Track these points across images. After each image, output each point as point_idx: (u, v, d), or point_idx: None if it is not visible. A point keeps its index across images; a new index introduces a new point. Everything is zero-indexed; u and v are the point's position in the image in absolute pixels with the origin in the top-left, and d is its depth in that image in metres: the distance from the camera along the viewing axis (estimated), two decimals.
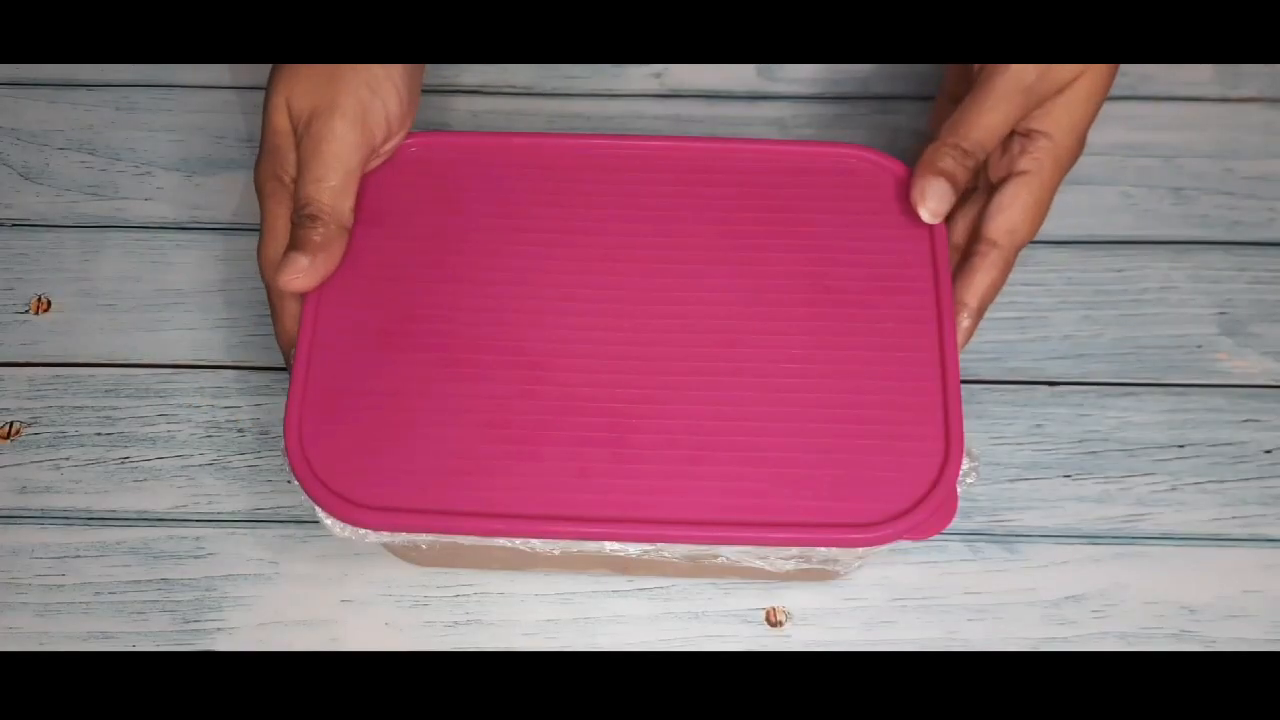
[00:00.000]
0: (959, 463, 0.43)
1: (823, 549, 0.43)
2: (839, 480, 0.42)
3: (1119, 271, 0.57)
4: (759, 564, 0.44)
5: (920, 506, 0.42)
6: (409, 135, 0.49)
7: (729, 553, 0.44)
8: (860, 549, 0.43)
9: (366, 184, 0.48)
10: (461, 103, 0.62)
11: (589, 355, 0.45)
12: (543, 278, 0.46)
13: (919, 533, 0.42)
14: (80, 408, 0.54)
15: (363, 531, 0.43)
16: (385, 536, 0.43)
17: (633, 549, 0.43)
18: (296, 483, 0.43)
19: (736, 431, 0.43)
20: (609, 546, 0.43)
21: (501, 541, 0.43)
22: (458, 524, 0.42)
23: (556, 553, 0.43)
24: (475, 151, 0.49)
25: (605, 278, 0.46)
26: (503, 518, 0.42)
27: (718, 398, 0.44)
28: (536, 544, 0.43)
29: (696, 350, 0.45)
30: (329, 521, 0.43)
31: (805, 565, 0.44)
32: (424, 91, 0.62)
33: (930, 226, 0.47)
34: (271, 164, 0.47)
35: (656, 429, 0.43)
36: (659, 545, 0.43)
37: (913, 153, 0.48)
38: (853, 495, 0.42)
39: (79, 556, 0.51)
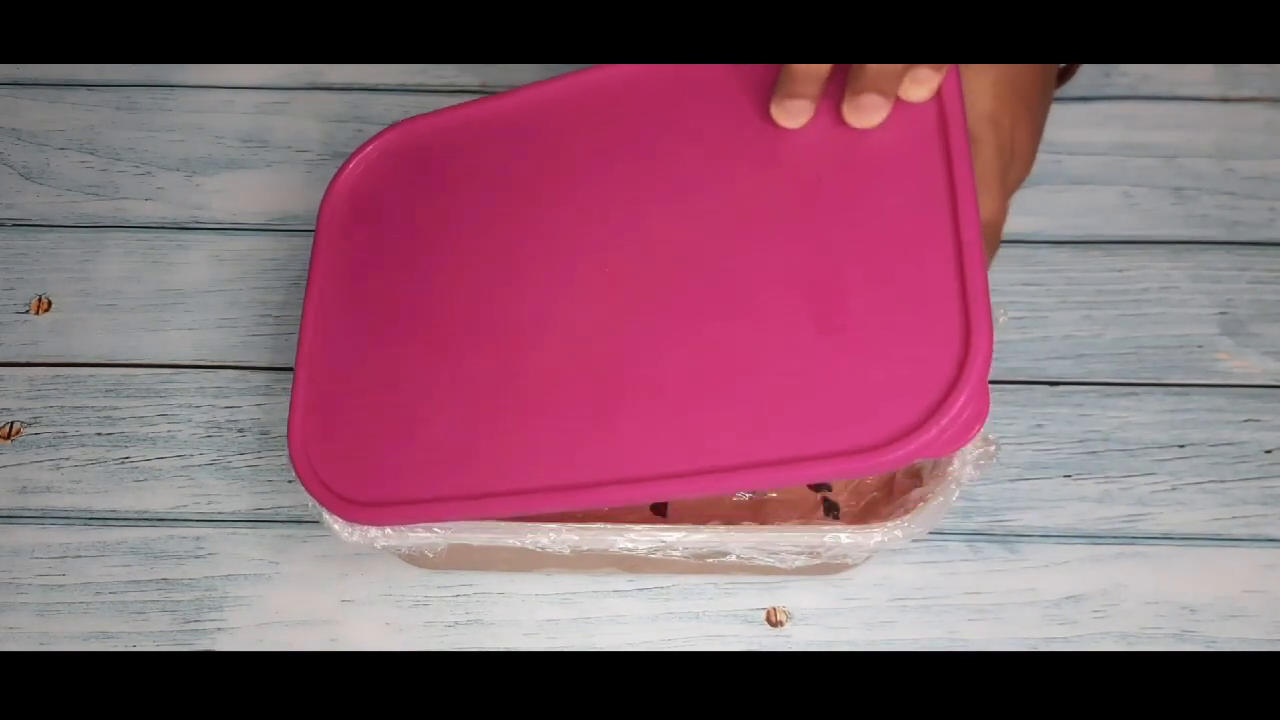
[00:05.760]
0: (986, 355, 0.37)
1: (831, 538, 0.42)
2: (851, 402, 0.38)
3: (1119, 271, 0.57)
4: (769, 561, 0.44)
5: (940, 412, 0.36)
6: (391, 126, 0.49)
7: (739, 549, 0.43)
8: (874, 534, 0.42)
9: (353, 181, 0.48)
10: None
11: (571, 317, 0.42)
12: (521, 243, 0.44)
13: (945, 445, 0.37)
14: (80, 408, 0.54)
15: (371, 535, 0.43)
16: (393, 540, 0.43)
17: (642, 545, 0.42)
18: (300, 484, 0.43)
19: (730, 371, 0.40)
20: (619, 544, 0.42)
21: (510, 541, 0.42)
22: (445, 510, 0.41)
23: (567, 551, 0.43)
24: (446, 130, 0.48)
25: (583, 228, 0.43)
26: (490, 497, 0.41)
27: (707, 338, 0.40)
28: (545, 543, 0.42)
29: (681, 289, 0.41)
30: (336, 526, 0.43)
31: (815, 561, 0.44)
32: (424, 92, 0.62)
33: (939, 97, 0.41)
34: None
35: (640, 382, 0.40)
36: (665, 543, 0.42)
37: None
38: (867, 416, 0.37)
39: (79, 556, 0.51)
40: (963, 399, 0.37)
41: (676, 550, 0.43)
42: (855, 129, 0.41)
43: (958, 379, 0.37)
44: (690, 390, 0.40)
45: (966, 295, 0.38)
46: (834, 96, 0.42)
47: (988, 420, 0.51)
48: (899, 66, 0.41)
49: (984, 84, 0.43)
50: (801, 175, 0.42)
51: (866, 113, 0.41)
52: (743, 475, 0.38)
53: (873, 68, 0.40)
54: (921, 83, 0.41)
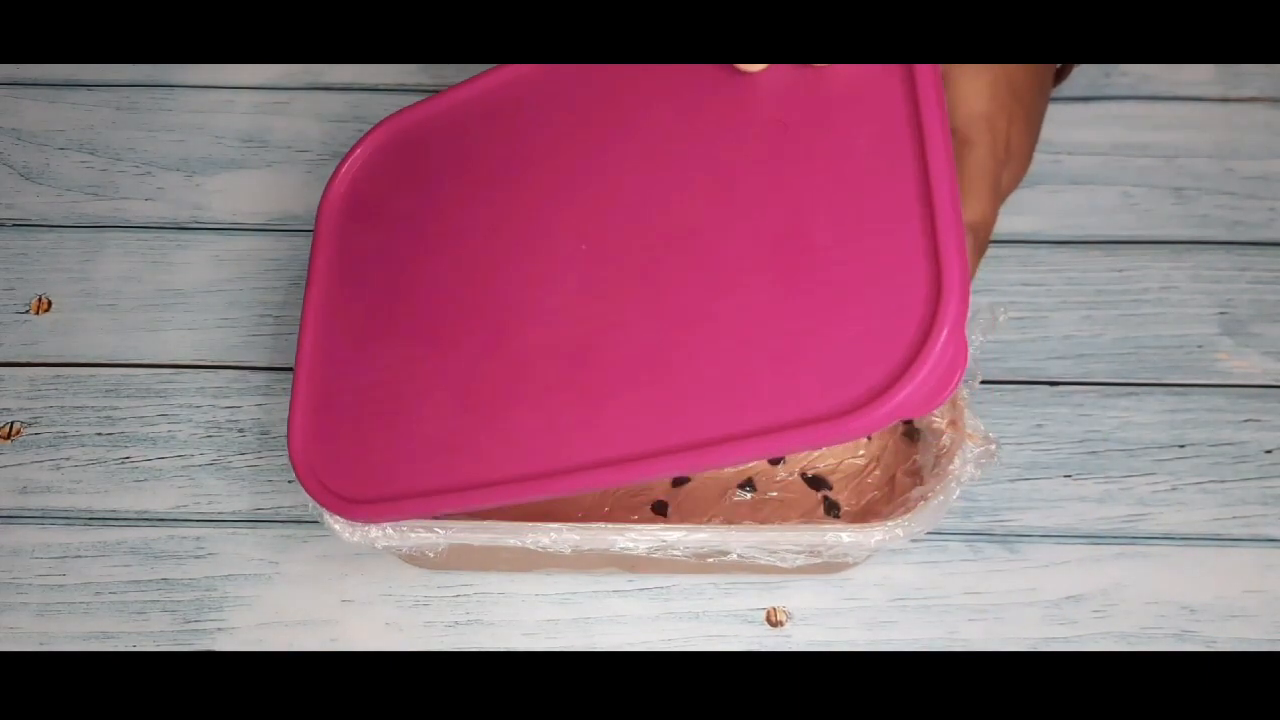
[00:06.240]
0: (960, 299, 0.35)
1: (833, 536, 0.42)
2: (832, 362, 0.36)
3: (1119, 271, 0.57)
4: (770, 560, 0.44)
5: (916, 363, 0.34)
6: (380, 123, 0.49)
7: (740, 548, 0.43)
8: (875, 533, 0.42)
9: (349, 181, 0.48)
10: None
11: (555, 300, 0.42)
12: (506, 229, 0.44)
13: (926, 398, 0.35)
14: (81, 408, 0.54)
15: (372, 535, 0.43)
16: (394, 540, 0.43)
17: (643, 545, 0.42)
18: (300, 486, 0.43)
19: (710, 343, 0.39)
20: (620, 543, 0.42)
21: (511, 541, 0.42)
22: (442, 503, 0.41)
23: (568, 551, 0.43)
24: (431, 119, 0.48)
25: (560, 205, 0.43)
26: (484, 488, 0.40)
27: (686, 311, 0.39)
28: (546, 543, 0.42)
29: (656, 261, 0.40)
30: (337, 526, 0.43)
31: (816, 560, 0.44)
32: (424, 91, 0.62)
33: None
34: None
35: (623, 362, 0.40)
36: (666, 542, 0.42)
37: None
38: (848, 375, 0.36)
39: (79, 556, 0.51)
40: (938, 347, 0.34)
41: (677, 549, 0.43)
42: (817, 68, 0.40)
43: (931, 327, 0.35)
44: (671, 366, 0.39)
45: (937, 238, 0.36)
46: None
47: (986, 421, 0.51)
48: None
49: (980, 84, 0.42)
50: (768, 123, 0.40)
51: None
52: (730, 447, 0.37)
53: None
54: None
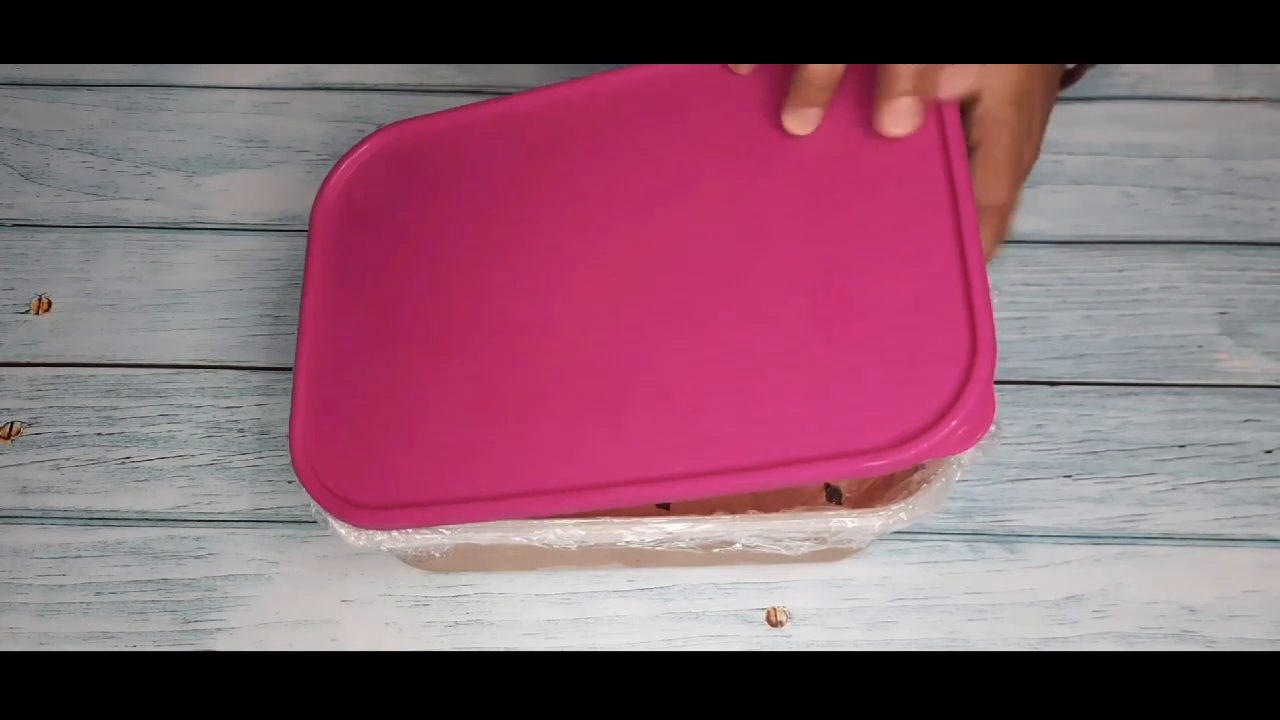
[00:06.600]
0: (991, 357, 0.38)
1: (837, 522, 0.42)
2: (860, 403, 0.38)
3: (1119, 271, 0.57)
4: (775, 548, 0.44)
5: (950, 412, 0.37)
6: (380, 130, 0.49)
7: (745, 538, 0.43)
8: (878, 517, 0.42)
9: (344, 184, 0.48)
10: (461, 103, 0.62)
11: (572, 317, 0.42)
12: (519, 242, 0.44)
13: (955, 444, 0.37)
14: (81, 408, 0.54)
15: (378, 539, 0.43)
16: (399, 542, 0.43)
17: (649, 538, 0.42)
18: (303, 489, 0.43)
19: (735, 372, 0.40)
20: (625, 537, 0.42)
21: (517, 539, 0.42)
22: (450, 513, 0.41)
23: (574, 548, 0.43)
24: (440, 132, 0.48)
25: (583, 228, 0.44)
26: (495, 500, 0.40)
27: (712, 340, 0.40)
28: (552, 539, 0.42)
29: (683, 291, 0.42)
30: (342, 530, 0.43)
31: (821, 546, 0.44)
32: (424, 92, 0.62)
33: (938, 111, 0.41)
34: None
35: (646, 383, 0.40)
36: (671, 534, 0.42)
37: None
38: (876, 417, 0.38)
39: (80, 556, 0.51)
40: (973, 399, 0.37)
41: (682, 542, 0.43)
42: (857, 134, 0.42)
43: (967, 379, 0.37)
44: (695, 390, 0.40)
45: (971, 297, 0.39)
46: (835, 103, 0.42)
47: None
48: (933, 67, 0.41)
49: (1015, 70, 0.43)
50: (804, 179, 0.42)
51: (903, 117, 0.41)
52: (751, 476, 0.39)
53: (905, 71, 0.40)
54: (955, 79, 0.41)
